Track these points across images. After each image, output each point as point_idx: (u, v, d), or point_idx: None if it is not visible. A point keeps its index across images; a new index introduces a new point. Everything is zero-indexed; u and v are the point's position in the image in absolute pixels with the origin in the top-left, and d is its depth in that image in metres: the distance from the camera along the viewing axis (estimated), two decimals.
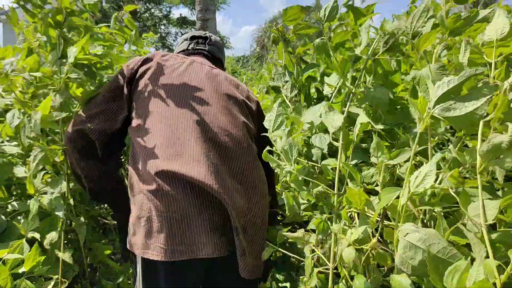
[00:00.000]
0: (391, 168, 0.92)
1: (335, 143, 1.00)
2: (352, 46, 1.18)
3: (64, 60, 1.21)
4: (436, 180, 0.82)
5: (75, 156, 1.30)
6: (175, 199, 1.11)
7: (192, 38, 1.57)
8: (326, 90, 1.20)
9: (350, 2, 1.74)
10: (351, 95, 1.05)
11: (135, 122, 1.26)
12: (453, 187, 0.69)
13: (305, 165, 0.98)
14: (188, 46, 1.55)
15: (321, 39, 1.17)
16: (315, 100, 1.36)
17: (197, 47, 1.53)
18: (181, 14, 24.42)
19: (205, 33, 1.61)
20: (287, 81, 1.36)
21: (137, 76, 1.31)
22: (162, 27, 24.12)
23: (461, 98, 0.74)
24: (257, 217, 1.23)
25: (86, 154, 1.30)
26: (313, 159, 1.04)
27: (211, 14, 6.84)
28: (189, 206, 1.11)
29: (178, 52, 1.57)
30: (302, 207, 1.02)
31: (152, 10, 23.09)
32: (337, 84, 1.14)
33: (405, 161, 0.91)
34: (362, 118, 1.00)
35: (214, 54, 1.56)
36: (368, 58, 1.06)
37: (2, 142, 1.30)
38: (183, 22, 23.91)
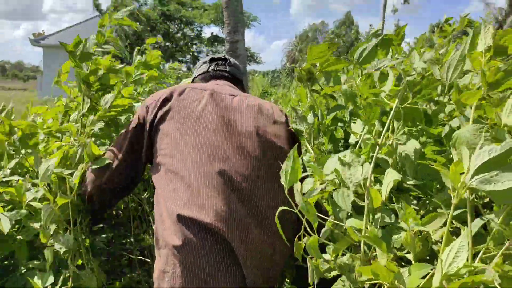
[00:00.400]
0: (425, 233, 0.83)
1: (359, 201, 0.92)
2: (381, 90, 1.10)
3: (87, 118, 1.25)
4: (476, 255, 0.72)
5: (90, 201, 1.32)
6: (200, 255, 1.07)
7: (212, 60, 1.56)
8: (352, 138, 1.12)
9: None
10: (377, 147, 0.97)
11: (157, 169, 1.22)
12: (497, 279, 0.59)
13: (328, 225, 0.91)
14: (209, 68, 1.53)
15: (349, 86, 1.10)
16: (341, 145, 1.28)
17: (217, 69, 1.52)
18: (212, 33, 24.93)
19: (224, 55, 1.60)
20: (310, 124, 1.29)
21: (156, 120, 1.28)
22: (194, 46, 24.72)
23: (506, 168, 0.65)
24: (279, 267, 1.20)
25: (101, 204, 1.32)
26: (339, 216, 0.97)
27: (240, 36, 6.90)
28: (215, 263, 1.07)
29: (198, 75, 1.55)
30: (326, 272, 0.94)
31: (185, 30, 23.73)
32: (363, 132, 1.07)
33: (441, 226, 0.82)
34: (392, 174, 0.92)
35: (235, 75, 1.54)
36: (396, 106, 0.98)
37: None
38: (214, 40, 24.43)
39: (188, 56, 24.53)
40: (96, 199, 1.28)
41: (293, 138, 1.35)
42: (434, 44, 2.52)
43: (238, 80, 1.55)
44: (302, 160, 1.26)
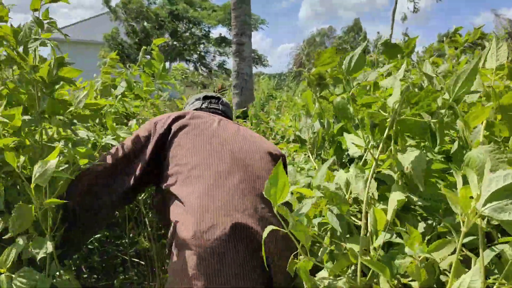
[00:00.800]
0: (431, 260, 0.78)
1: (357, 221, 0.86)
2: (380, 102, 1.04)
3: None
4: None
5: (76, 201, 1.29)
6: (224, 256, 1.06)
7: (205, 98, 1.66)
8: (352, 151, 1.06)
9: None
10: (376, 162, 0.91)
11: (173, 178, 1.24)
12: None
13: (326, 244, 0.85)
14: (202, 105, 1.62)
15: (342, 98, 1.04)
16: (346, 156, 1.22)
17: (211, 107, 1.62)
18: (220, 34, 24.91)
19: (217, 94, 1.73)
20: (314, 133, 1.24)
21: (171, 134, 1.33)
22: (202, 46, 24.69)
23: None
24: None
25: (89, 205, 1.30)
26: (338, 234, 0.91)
27: (247, 38, 6.86)
28: (239, 265, 1.06)
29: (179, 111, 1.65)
30: None
31: (193, 30, 23.73)
32: (368, 146, 1.01)
33: (449, 254, 0.76)
34: (397, 193, 0.86)
35: (227, 113, 1.65)
36: (393, 119, 0.92)
37: None
38: (221, 41, 24.40)
39: (195, 56, 24.52)
40: (89, 199, 1.27)
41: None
42: (444, 54, 2.47)
43: (229, 118, 1.66)
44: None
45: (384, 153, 0.89)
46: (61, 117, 1.29)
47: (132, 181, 1.31)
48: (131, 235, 2.10)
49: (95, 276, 2.09)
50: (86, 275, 2.01)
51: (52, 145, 1.25)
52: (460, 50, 2.27)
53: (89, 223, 1.35)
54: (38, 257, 1.03)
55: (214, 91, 10.10)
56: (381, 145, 0.88)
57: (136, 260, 2.15)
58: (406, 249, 0.77)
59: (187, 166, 1.23)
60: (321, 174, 0.94)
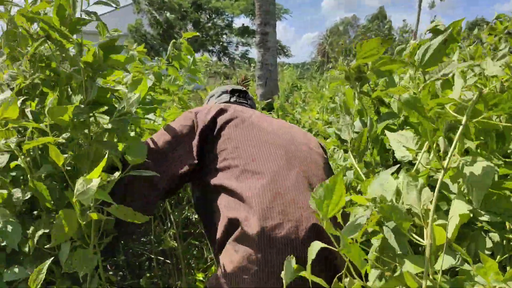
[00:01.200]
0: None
1: (418, 239, 0.75)
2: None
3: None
4: None
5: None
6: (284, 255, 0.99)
7: (233, 91, 1.65)
8: (400, 154, 0.94)
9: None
10: (444, 171, 0.79)
11: (227, 174, 1.18)
12: None
13: (380, 267, 0.74)
14: (230, 99, 1.61)
15: (413, 93, 0.91)
16: (391, 159, 1.10)
17: (239, 100, 1.62)
18: (243, 24, 24.67)
19: (243, 88, 1.71)
20: (357, 133, 1.12)
21: (218, 127, 1.27)
22: (224, 36, 24.59)
23: None
24: None
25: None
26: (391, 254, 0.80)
27: (271, 28, 6.71)
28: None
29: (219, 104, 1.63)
30: None
31: (215, 20, 23.62)
32: (421, 149, 0.89)
33: None
34: (460, 207, 0.75)
35: (253, 108, 1.65)
36: (466, 121, 0.80)
37: None
38: (244, 31, 24.20)
39: (218, 46, 24.45)
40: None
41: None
42: (483, 43, 2.30)
43: None
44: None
45: (450, 162, 0.77)
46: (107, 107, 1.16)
47: (173, 182, 1.23)
48: (156, 233, 2.06)
49: (120, 273, 2.06)
50: (111, 273, 1.98)
51: (102, 142, 1.10)
52: (498, 38, 2.15)
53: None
54: (81, 274, 0.95)
55: (237, 83, 9.99)
56: (450, 151, 0.75)
57: (161, 258, 2.11)
58: (476, 278, 0.66)
59: (240, 160, 1.18)
60: (379, 182, 0.81)
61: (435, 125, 0.83)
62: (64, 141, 1.03)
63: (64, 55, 1.10)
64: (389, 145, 1.20)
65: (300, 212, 1.05)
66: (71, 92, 1.15)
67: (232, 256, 1.06)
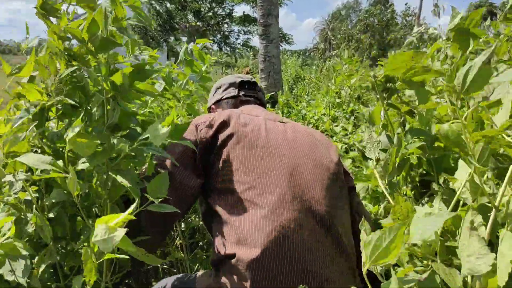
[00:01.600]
0: None
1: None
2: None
3: None
4: None
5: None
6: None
7: (241, 84, 1.56)
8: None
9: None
10: (493, 212, 0.69)
11: (223, 199, 1.11)
12: None
13: None
14: (239, 93, 1.53)
15: (451, 126, 0.79)
16: (421, 187, 0.99)
17: (248, 94, 1.54)
18: (244, 12, 24.29)
19: (252, 78, 1.62)
20: (384, 151, 1.01)
21: (219, 143, 1.17)
22: (225, 25, 24.25)
23: None
24: None
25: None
26: None
27: (273, 19, 6.54)
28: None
29: (226, 98, 1.55)
30: None
31: (216, 9, 23.28)
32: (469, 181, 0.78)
33: None
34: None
35: (262, 100, 1.60)
36: None
37: None
38: (245, 19, 23.85)
39: (219, 36, 24.15)
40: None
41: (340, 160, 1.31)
42: (500, 34, 2.16)
43: (264, 105, 1.61)
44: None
45: (501, 200, 0.66)
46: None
47: (188, 204, 1.17)
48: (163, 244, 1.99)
49: (127, 282, 2.00)
50: (117, 282, 1.92)
51: (121, 171, 0.97)
52: None
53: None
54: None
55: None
56: (503, 188, 0.65)
57: (167, 267, 2.05)
58: None
59: (238, 185, 1.09)
60: (434, 227, 0.67)
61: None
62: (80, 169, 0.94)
63: (87, 74, 1.00)
64: (416, 163, 1.09)
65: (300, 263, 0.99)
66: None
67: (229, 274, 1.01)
